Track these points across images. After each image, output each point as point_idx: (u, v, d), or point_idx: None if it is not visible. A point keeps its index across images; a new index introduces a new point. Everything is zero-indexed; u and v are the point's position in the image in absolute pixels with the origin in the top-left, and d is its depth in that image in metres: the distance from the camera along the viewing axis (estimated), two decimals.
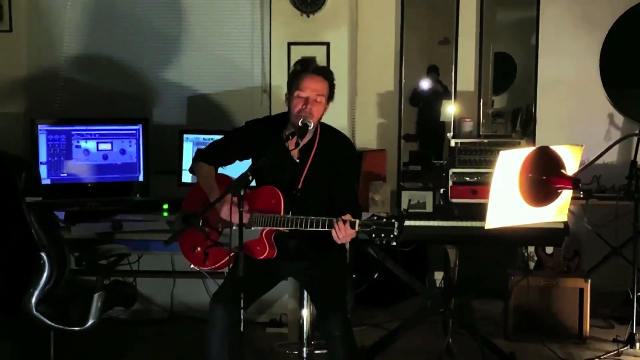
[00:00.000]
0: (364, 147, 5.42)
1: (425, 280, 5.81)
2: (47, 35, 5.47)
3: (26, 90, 5.45)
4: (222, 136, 3.86)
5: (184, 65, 5.45)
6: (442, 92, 5.84)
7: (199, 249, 3.60)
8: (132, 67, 5.46)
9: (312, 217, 3.32)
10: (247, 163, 3.67)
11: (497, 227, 3.00)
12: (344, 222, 3.23)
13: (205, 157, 3.74)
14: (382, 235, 3.16)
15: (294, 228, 3.37)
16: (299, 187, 3.53)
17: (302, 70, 3.55)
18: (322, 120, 3.62)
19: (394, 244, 3.19)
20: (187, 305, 5.35)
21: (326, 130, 3.64)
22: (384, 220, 3.17)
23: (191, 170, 3.81)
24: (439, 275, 5.64)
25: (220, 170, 3.76)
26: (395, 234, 3.15)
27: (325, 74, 3.57)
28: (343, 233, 3.24)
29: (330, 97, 3.58)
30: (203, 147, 3.88)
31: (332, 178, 3.55)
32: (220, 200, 3.35)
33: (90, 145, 4.94)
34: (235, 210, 3.15)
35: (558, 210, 3.15)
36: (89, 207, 4.85)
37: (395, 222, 3.15)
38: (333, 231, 3.26)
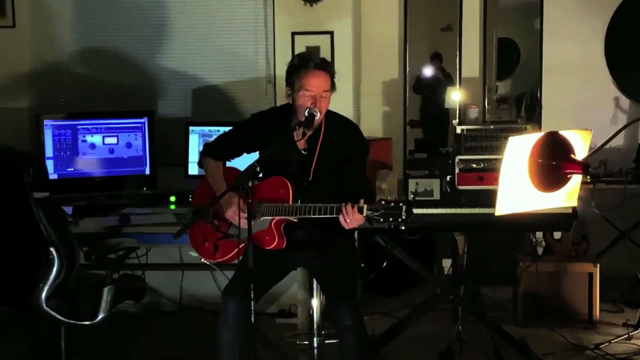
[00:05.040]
0: (369, 136, 5.34)
1: (434, 268, 5.80)
2: (50, 29, 5.45)
3: (31, 86, 5.44)
4: (228, 129, 3.83)
5: (188, 57, 5.43)
6: (445, 79, 5.81)
7: (208, 241, 3.58)
8: (136, 59, 5.45)
9: (320, 205, 3.30)
10: (255, 156, 3.65)
11: (508, 213, 2.97)
12: (352, 206, 3.21)
13: (212, 152, 3.72)
14: (390, 219, 3.13)
15: (302, 216, 3.35)
16: (310, 178, 3.51)
17: (301, 65, 3.49)
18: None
19: (402, 228, 3.15)
20: (196, 297, 5.35)
21: (331, 118, 3.61)
22: (392, 204, 3.14)
23: (199, 164, 3.81)
24: (447, 263, 5.61)
25: (229, 163, 3.75)
26: (403, 217, 3.12)
27: (326, 67, 3.51)
28: (350, 217, 3.21)
29: (333, 88, 3.54)
30: (209, 139, 3.86)
31: (341, 165, 3.52)
32: (226, 194, 3.33)
33: (96, 139, 4.93)
34: (242, 214, 3.14)
35: (568, 195, 3.13)
36: (97, 202, 4.84)
37: (403, 206, 3.12)
38: (340, 216, 3.23)
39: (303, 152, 3.56)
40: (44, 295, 3.64)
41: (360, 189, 3.42)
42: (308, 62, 3.48)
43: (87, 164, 4.92)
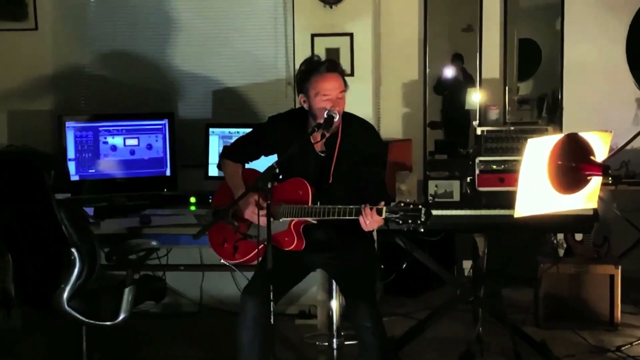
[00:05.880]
0: (389, 137, 5.39)
1: (454, 270, 5.80)
2: (72, 32, 5.50)
3: (53, 88, 5.49)
4: (247, 131, 3.86)
5: (208, 59, 5.45)
6: (466, 80, 5.80)
7: (228, 242, 3.61)
8: (157, 62, 5.48)
9: (340, 206, 3.31)
10: (273, 158, 3.66)
11: (527, 215, 2.97)
12: (371, 208, 3.22)
13: (231, 155, 3.76)
14: (410, 221, 3.14)
15: (321, 217, 3.37)
16: (330, 181, 3.52)
17: (312, 70, 3.50)
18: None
19: (422, 230, 3.17)
20: (216, 298, 5.38)
21: (348, 120, 3.61)
22: (411, 206, 3.15)
23: (219, 167, 3.85)
24: (467, 264, 5.60)
25: (248, 165, 3.77)
26: (422, 219, 3.13)
27: (337, 68, 3.53)
28: (370, 219, 3.22)
29: (346, 87, 3.55)
30: (229, 141, 3.88)
31: (360, 167, 3.52)
32: (245, 195, 3.35)
33: (118, 141, 4.97)
34: (261, 212, 3.16)
35: (588, 197, 3.11)
36: (118, 203, 4.89)
37: (423, 208, 3.13)
38: (360, 218, 3.25)
39: (321, 154, 3.57)
40: (65, 295, 3.68)
41: (377, 191, 3.42)
42: (319, 66, 3.49)
43: (108, 165, 4.96)
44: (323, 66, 3.49)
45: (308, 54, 5.09)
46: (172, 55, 5.48)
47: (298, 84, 3.57)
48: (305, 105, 3.55)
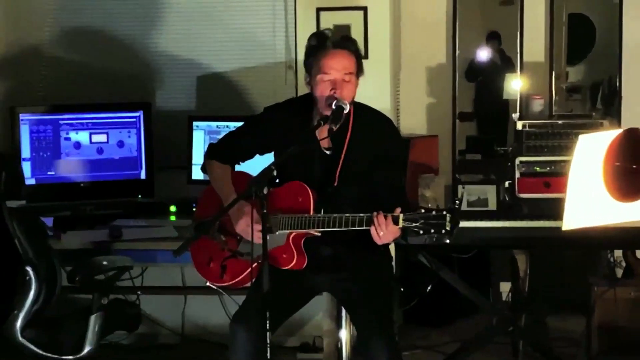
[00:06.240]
0: (411, 133, 5.40)
1: (489, 293, 5.79)
2: (28, 4, 5.51)
3: (4, 73, 5.50)
4: (238, 125, 3.86)
5: (192, 38, 5.47)
6: (504, 64, 5.80)
7: (214, 261, 3.61)
8: (131, 41, 5.50)
9: (347, 215, 3.32)
10: (268, 158, 3.65)
11: (577, 228, 2.97)
12: (385, 216, 3.22)
13: (218, 154, 3.76)
14: (432, 231, 3.16)
15: (326, 229, 3.37)
16: (335, 184, 3.52)
17: (318, 45, 3.52)
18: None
19: (447, 241, 3.18)
20: (201, 326, 5.40)
21: (361, 111, 3.61)
22: (434, 212, 3.16)
23: (203, 169, 3.84)
24: (505, 287, 5.60)
25: (238, 167, 3.78)
26: (447, 228, 3.14)
27: (349, 45, 3.54)
28: (384, 230, 3.23)
29: (359, 71, 3.56)
30: (217, 137, 3.88)
31: (373, 168, 3.53)
32: (237, 202, 3.34)
33: (82, 137, 4.99)
34: (257, 227, 3.17)
35: None
36: (82, 212, 4.91)
37: (448, 215, 3.14)
38: (372, 228, 3.26)
39: (326, 152, 3.58)
40: (19, 324, 3.69)
41: (394, 198, 3.42)
42: (325, 41, 3.51)
43: (71, 166, 4.98)
44: (330, 41, 3.51)
45: (313, 31, 5.10)
46: (149, 33, 5.49)
47: (304, 60, 3.60)
48: (308, 88, 3.57)
